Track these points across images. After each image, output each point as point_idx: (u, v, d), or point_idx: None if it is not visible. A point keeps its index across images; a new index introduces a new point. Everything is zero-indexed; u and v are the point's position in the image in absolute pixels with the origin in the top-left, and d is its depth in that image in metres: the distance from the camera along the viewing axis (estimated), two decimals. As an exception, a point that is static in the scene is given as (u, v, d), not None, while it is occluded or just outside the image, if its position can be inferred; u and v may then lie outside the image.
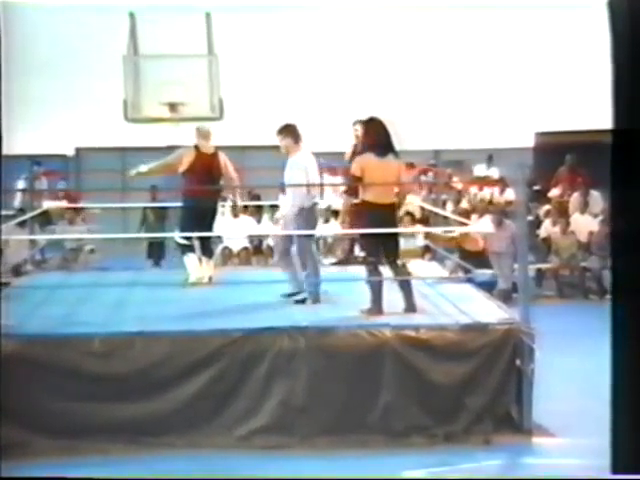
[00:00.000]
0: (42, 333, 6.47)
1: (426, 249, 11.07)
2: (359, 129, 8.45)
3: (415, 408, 6.39)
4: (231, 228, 12.11)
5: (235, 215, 12.29)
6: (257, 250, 12.58)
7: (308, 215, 7.51)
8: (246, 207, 12.08)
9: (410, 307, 7.04)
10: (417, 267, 9.33)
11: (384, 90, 16.57)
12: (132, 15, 9.97)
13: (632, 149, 3.31)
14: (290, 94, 16.14)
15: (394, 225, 7.17)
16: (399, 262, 7.17)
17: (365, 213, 7.00)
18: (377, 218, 6.92)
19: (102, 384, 6.26)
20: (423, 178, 14.68)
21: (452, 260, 10.42)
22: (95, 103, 14.97)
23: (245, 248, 12.06)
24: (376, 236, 6.93)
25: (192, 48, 9.84)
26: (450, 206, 13.43)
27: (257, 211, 12.75)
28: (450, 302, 7.31)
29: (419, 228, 11.31)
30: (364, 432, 6.35)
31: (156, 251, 13.18)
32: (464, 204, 13.66)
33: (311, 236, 7.65)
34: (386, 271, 7.14)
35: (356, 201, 7.09)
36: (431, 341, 6.47)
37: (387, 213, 7.04)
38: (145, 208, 13.16)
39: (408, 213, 12.02)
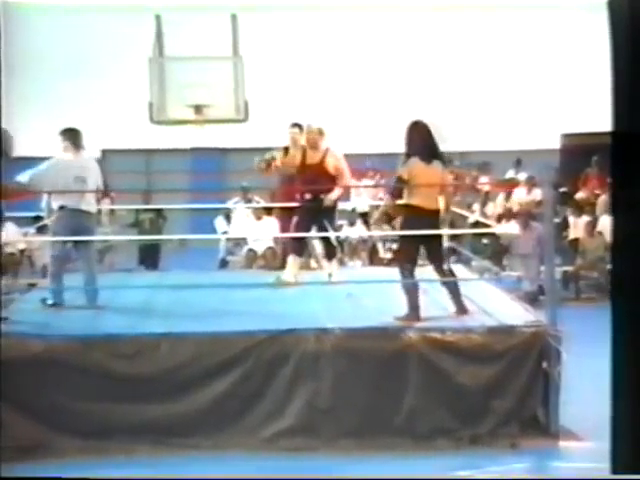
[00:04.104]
0: (75, 334, 6.51)
1: (451, 251, 11.02)
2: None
3: (441, 411, 6.36)
4: (254, 230, 12.12)
5: (258, 217, 12.30)
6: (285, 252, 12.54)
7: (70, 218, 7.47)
8: (270, 209, 12.08)
9: (461, 309, 6.95)
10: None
11: (410, 91, 16.54)
12: (158, 17, 10.01)
13: (632, 149, 3.30)
14: (315, 96, 16.13)
15: (438, 229, 7.07)
16: (445, 266, 7.11)
17: (410, 217, 6.95)
18: (422, 223, 6.87)
19: (129, 385, 6.27)
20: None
21: (478, 262, 10.37)
22: (121, 105, 15.05)
23: (270, 248, 12.05)
24: (418, 240, 6.89)
25: (217, 50, 9.86)
26: (477, 208, 13.37)
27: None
28: (476, 304, 7.27)
29: (444, 231, 11.26)
30: (389, 434, 6.32)
31: (150, 256, 13.05)
32: (491, 207, 13.59)
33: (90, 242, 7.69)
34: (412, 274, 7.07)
35: (400, 204, 7.06)
36: (457, 343, 6.44)
37: (432, 219, 6.95)
38: (138, 211, 13.09)
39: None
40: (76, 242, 7.58)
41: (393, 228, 7.29)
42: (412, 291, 6.85)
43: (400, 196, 6.99)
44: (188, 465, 5.97)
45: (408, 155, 6.99)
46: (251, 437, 6.30)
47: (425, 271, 7.26)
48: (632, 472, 3.34)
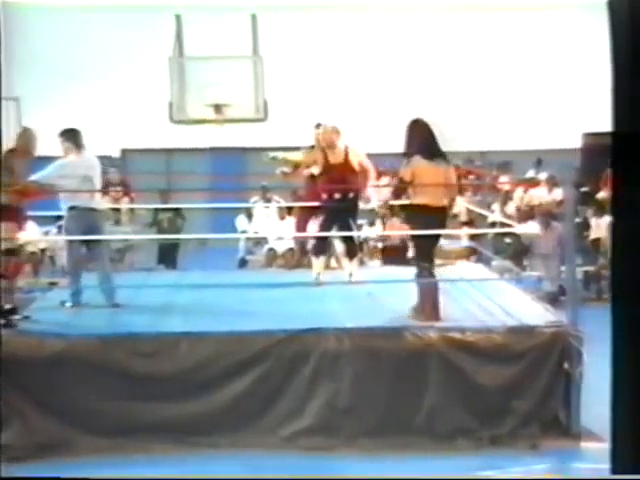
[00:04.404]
0: (95, 333, 6.54)
1: (471, 250, 10.99)
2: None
3: (461, 411, 6.34)
4: (276, 229, 12.12)
5: (282, 217, 12.30)
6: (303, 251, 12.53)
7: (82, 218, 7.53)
8: (289, 209, 12.08)
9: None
10: (462, 269, 9.28)
11: (430, 91, 16.50)
12: (178, 17, 10.02)
13: (633, 150, 3.29)
14: (335, 95, 16.12)
15: (444, 228, 7.08)
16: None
17: (419, 216, 6.93)
18: (431, 221, 6.86)
19: (149, 384, 6.29)
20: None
21: (498, 261, 10.33)
22: (141, 105, 15.08)
23: (290, 249, 12.04)
24: (430, 238, 6.89)
25: (237, 49, 9.87)
26: (496, 207, 13.31)
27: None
28: (496, 304, 7.24)
29: (465, 230, 11.23)
30: (409, 434, 6.31)
31: (170, 255, 13.08)
32: (511, 206, 13.53)
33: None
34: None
35: (407, 204, 7.04)
36: (477, 343, 6.41)
37: (440, 216, 6.95)
38: (157, 211, 13.12)
39: (453, 215, 11.95)
40: (89, 241, 7.63)
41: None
42: (431, 290, 6.84)
43: (400, 197, 6.97)
44: (207, 464, 5.98)
45: (409, 154, 6.96)
46: (270, 436, 6.30)
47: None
48: (632, 472, 3.33)
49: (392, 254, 10.72)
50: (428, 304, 6.79)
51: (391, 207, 9.09)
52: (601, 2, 3.40)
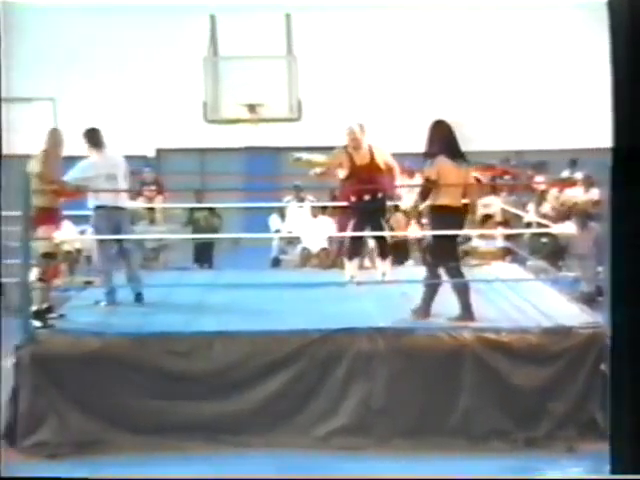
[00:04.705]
0: (129, 332, 6.58)
1: (506, 251, 10.91)
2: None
3: (495, 412, 6.30)
4: (309, 228, 12.11)
5: (314, 215, 12.29)
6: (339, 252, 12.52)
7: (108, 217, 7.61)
8: (325, 208, 12.06)
9: (426, 313, 6.89)
10: (498, 269, 9.22)
11: (464, 90, 16.42)
12: (212, 17, 10.06)
13: (634, 149, 3.27)
14: (369, 95, 16.09)
15: (463, 228, 7.08)
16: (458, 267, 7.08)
17: (439, 216, 6.92)
18: (452, 222, 6.85)
19: (183, 383, 6.31)
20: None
21: (534, 262, 10.25)
22: (175, 104, 15.15)
23: (324, 249, 12.03)
24: (451, 239, 6.86)
25: (271, 49, 9.88)
26: (532, 208, 13.21)
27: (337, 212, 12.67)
28: (532, 304, 7.19)
29: (499, 230, 11.16)
30: (443, 435, 6.28)
31: (205, 255, 13.12)
32: (546, 206, 13.42)
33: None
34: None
35: (430, 205, 7.02)
36: (512, 344, 6.37)
37: (460, 217, 6.97)
38: (192, 210, 13.17)
39: (488, 215, 11.87)
40: (118, 239, 7.71)
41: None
42: (431, 289, 6.85)
43: (428, 197, 6.93)
44: (241, 463, 5.98)
45: (432, 154, 6.94)
46: (304, 436, 6.30)
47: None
48: (632, 472, 3.34)
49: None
50: (463, 305, 6.75)
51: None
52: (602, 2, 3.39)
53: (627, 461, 3.37)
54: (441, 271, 6.97)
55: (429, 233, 6.92)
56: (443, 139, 6.91)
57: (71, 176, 7.52)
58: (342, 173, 8.32)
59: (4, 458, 6.00)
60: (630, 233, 3.38)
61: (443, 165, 6.86)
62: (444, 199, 6.87)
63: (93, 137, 7.77)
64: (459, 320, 6.70)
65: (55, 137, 7.37)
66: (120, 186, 7.73)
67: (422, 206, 7.11)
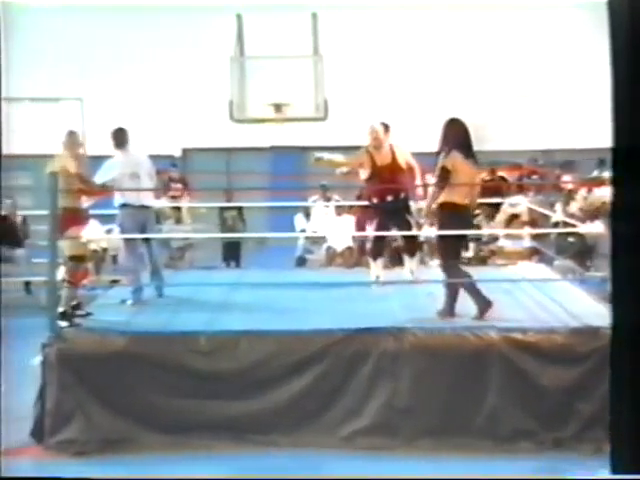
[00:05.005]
0: (156, 330, 6.61)
1: (533, 251, 10.85)
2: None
3: (522, 412, 6.25)
4: (334, 228, 12.11)
5: (339, 215, 12.28)
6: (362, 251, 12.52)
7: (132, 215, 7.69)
8: (351, 207, 12.05)
9: (450, 312, 6.89)
10: (524, 269, 9.16)
11: (487, 90, 16.36)
12: (239, 17, 10.08)
13: (635, 148, 3.25)
14: (394, 94, 16.05)
15: (470, 226, 7.02)
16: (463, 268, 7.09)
17: (450, 214, 6.89)
18: (460, 219, 6.84)
19: (209, 381, 6.32)
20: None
21: (561, 262, 10.18)
22: (202, 104, 15.19)
23: (349, 248, 12.03)
24: (458, 237, 6.86)
25: (297, 48, 9.88)
26: (559, 207, 13.13)
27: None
28: (559, 304, 7.14)
29: (526, 230, 11.09)
30: (469, 435, 6.25)
31: (233, 254, 13.16)
32: (573, 206, 13.33)
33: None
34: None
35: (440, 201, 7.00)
36: (539, 344, 6.32)
37: (467, 215, 6.99)
38: (222, 209, 13.21)
39: (515, 215, 11.82)
40: (143, 238, 7.79)
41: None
42: (453, 289, 6.86)
43: (445, 188, 6.90)
44: (266, 462, 5.98)
45: (446, 150, 6.93)
46: (329, 435, 6.28)
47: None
48: (632, 472, 3.33)
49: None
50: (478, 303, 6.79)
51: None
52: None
53: (627, 461, 3.37)
54: (458, 269, 6.99)
55: (451, 233, 6.87)
56: (457, 137, 6.91)
57: (98, 177, 7.61)
58: (364, 174, 8.27)
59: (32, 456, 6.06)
60: (630, 233, 3.36)
61: (457, 160, 6.86)
62: (452, 196, 6.86)
63: (118, 137, 7.86)
64: (442, 315, 6.78)
65: (72, 138, 7.43)
66: (144, 185, 7.79)
67: (438, 201, 7.04)
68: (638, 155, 3.30)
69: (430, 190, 7.27)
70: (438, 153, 7.01)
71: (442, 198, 6.89)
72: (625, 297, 3.39)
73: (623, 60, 3.32)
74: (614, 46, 3.35)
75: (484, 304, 6.77)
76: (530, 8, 15.95)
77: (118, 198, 7.79)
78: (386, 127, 8.44)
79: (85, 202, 7.58)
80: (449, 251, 6.97)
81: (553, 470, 5.80)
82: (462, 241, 7.04)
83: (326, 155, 8.78)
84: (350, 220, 12.02)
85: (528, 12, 16.16)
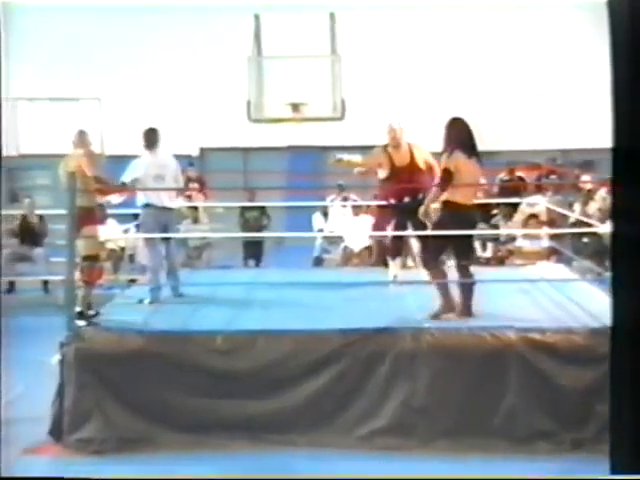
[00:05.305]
0: (172, 330, 6.62)
1: (552, 251, 10.80)
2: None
3: (540, 413, 6.23)
4: (352, 227, 12.10)
5: (356, 213, 12.27)
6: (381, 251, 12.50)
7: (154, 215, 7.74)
8: (368, 207, 12.04)
9: (467, 312, 6.87)
10: (543, 269, 9.12)
11: (506, 88, 16.31)
12: (257, 17, 10.09)
13: (635, 148, 3.23)
14: (412, 94, 16.03)
15: (475, 227, 7.00)
16: (469, 268, 7.03)
17: (451, 213, 6.88)
18: (462, 218, 6.82)
19: (226, 381, 6.32)
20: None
21: (580, 262, 10.13)
22: (219, 104, 15.22)
23: (367, 248, 12.02)
24: (452, 238, 6.82)
25: (315, 48, 9.88)
26: (577, 207, 13.07)
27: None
28: (577, 305, 7.10)
29: (544, 230, 11.05)
30: (486, 436, 6.22)
31: (254, 253, 13.18)
32: (592, 206, 13.26)
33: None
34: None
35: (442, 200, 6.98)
36: (558, 345, 6.29)
37: (470, 215, 6.94)
38: (243, 209, 13.25)
39: (533, 215, 11.77)
40: (163, 238, 7.83)
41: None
42: (444, 288, 6.86)
43: (447, 189, 6.89)
44: (284, 461, 5.98)
45: (448, 150, 6.91)
46: (346, 435, 6.28)
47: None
48: (632, 472, 3.34)
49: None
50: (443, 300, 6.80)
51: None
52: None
53: (627, 461, 3.38)
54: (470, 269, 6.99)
55: (468, 232, 6.86)
56: (459, 136, 6.89)
57: (124, 177, 7.69)
58: (382, 173, 8.25)
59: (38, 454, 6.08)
60: (631, 233, 3.34)
61: (460, 160, 6.84)
62: (455, 196, 6.85)
63: (149, 137, 7.92)
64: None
65: (83, 138, 7.46)
66: (169, 186, 7.84)
67: (441, 199, 7.02)
68: (638, 155, 3.29)
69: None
70: (441, 153, 7.01)
71: (445, 197, 6.88)
72: (625, 297, 3.38)
73: (623, 60, 3.32)
74: (614, 46, 3.35)
75: (447, 307, 6.78)
76: (535, 8, 15.91)
77: (141, 198, 7.82)
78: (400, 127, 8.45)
79: (115, 201, 7.70)
80: (458, 251, 6.98)
81: (571, 471, 5.76)
82: (466, 241, 6.97)
83: (346, 156, 8.76)
84: (367, 220, 12.00)
85: (535, 12, 16.12)
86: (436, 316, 6.79)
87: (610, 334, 3.40)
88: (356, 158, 8.74)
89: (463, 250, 7.02)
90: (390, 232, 8.54)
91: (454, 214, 6.83)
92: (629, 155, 3.34)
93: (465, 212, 6.87)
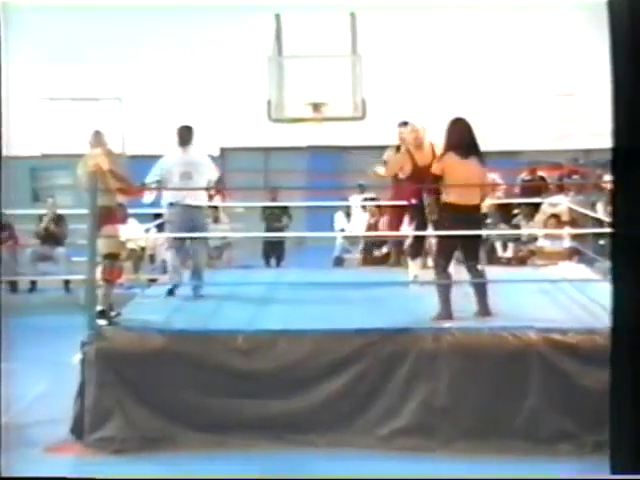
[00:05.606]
0: (193, 329, 6.63)
1: (574, 251, 10.75)
2: (404, 131, 8.47)
3: (562, 414, 6.19)
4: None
5: (377, 218, 12.25)
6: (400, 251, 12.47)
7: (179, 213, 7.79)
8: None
9: (483, 311, 6.84)
10: (564, 269, 9.07)
11: (528, 90, 16.24)
12: (277, 16, 10.08)
13: (635, 148, 3.21)
14: (432, 94, 15.99)
15: (478, 227, 6.95)
16: (479, 267, 6.98)
17: (448, 214, 6.87)
18: (460, 219, 6.78)
19: (246, 381, 6.32)
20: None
21: (602, 262, 10.05)
22: (240, 104, 15.25)
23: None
24: (455, 239, 6.80)
25: (336, 48, 9.86)
26: (600, 207, 12.99)
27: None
28: (599, 305, 7.04)
29: (566, 230, 10.99)
30: (507, 437, 6.18)
31: (274, 253, 13.19)
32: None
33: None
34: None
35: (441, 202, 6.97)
36: (579, 345, 6.25)
37: (470, 215, 6.88)
38: (264, 209, 13.27)
39: (554, 215, 11.71)
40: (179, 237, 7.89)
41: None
42: (444, 290, 6.82)
43: (433, 193, 6.90)
44: (304, 462, 5.98)
45: (444, 152, 6.96)
46: (366, 435, 6.26)
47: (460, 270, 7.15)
48: (632, 472, 3.32)
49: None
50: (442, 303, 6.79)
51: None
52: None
53: (627, 461, 3.37)
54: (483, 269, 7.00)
55: (487, 232, 6.84)
56: (453, 137, 6.90)
57: (149, 177, 7.74)
58: (404, 173, 8.26)
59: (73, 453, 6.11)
60: (631, 233, 3.32)
61: (450, 162, 6.84)
62: (449, 197, 6.86)
63: (183, 135, 8.02)
64: (438, 318, 6.71)
65: (99, 138, 7.50)
66: (196, 185, 7.89)
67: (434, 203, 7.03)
68: (638, 155, 3.27)
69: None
70: (441, 156, 7.06)
71: (444, 199, 6.91)
72: (625, 298, 3.40)
73: (623, 60, 3.30)
74: (614, 46, 3.34)
75: (444, 314, 6.75)
76: (535, 8, 15.85)
77: (167, 197, 7.88)
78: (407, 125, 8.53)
79: (147, 199, 7.77)
80: (464, 252, 6.97)
81: (593, 472, 5.72)
82: (470, 242, 6.91)
83: (380, 168, 8.83)
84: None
85: (539, 12, 16.06)
86: (434, 319, 6.76)
87: (610, 334, 3.39)
88: (382, 170, 8.81)
89: (468, 251, 6.98)
90: (406, 232, 8.53)
91: (450, 215, 6.84)
92: (629, 155, 3.33)
93: (464, 213, 6.82)
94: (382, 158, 9.26)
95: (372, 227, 11.93)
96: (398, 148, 8.97)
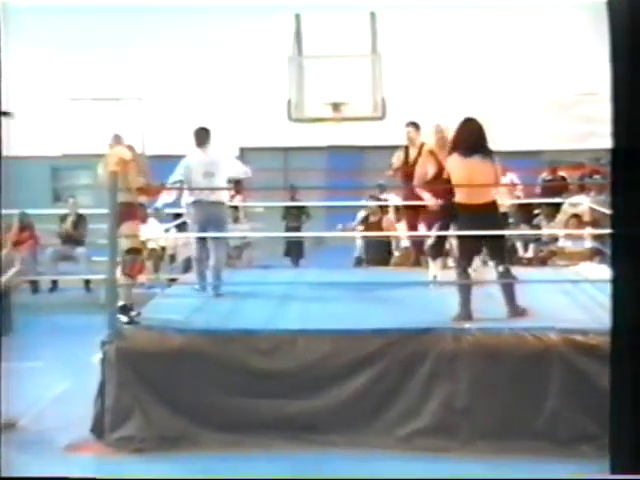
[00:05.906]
0: (212, 329, 6.63)
1: (595, 251, 10.68)
2: (411, 131, 8.55)
3: (583, 416, 6.14)
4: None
5: (398, 220, 12.22)
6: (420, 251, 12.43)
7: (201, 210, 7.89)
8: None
9: (513, 311, 6.80)
10: (585, 270, 9.02)
11: (547, 88, 16.17)
12: (297, 16, 10.08)
13: (635, 148, 3.19)
14: (453, 93, 15.95)
15: (492, 226, 6.83)
16: (502, 267, 6.93)
17: (458, 214, 6.89)
18: (469, 219, 6.76)
19: (265, 380, 6.32)
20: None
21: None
22: (260, 103, 15.26)
23: (407, 248, 11.94)
24: (473, 239, 6.76)
25: (356, 48, 9.85)
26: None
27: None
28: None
29: (585, 231, 10.92)
30: (528, 438, 6.16)
31: (295, 250, 13.22)
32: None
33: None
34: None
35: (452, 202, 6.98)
36: (601, 346, 6.20)
37: (481, 214, 6.80)
38: (287, 208, 13.29)
39: (575, 215, 11.64)
40: (207, 231, 7.96)
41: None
42: (464, 290, 6.82)
43: (438, 194, 6.92)
44: (323, 462, 5.97)
45: (450, 153, 6.97)
46: (386, 436, 6.25)
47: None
48: (632, 472, 3.31)
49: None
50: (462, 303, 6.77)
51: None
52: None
53: (627, 461, 3.37)
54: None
55: (507, 232, 6.83)
56: (463, 136, 6.89)
57: (172, 178, 7.81)
58: (429, 172, 8.24)
59: (91, 452, 6.13)
60: (630, 234, 3.30)
61: (452, 162, 6.86)
62: (457, 197, 6.89)
63: (200, 136, 8.12)
64: (458, 319, 6.69)
65: (118, 141, 7.54)
66: (219, 183, 8.00)
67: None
68: (638, 156, 3.25)
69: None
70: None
71: (455, 200, 6.93)
72: (625, 298, 3.39)
73: (623, 60, 3.28)
74: (614, 46, 3.32)
75: (463, 315, 6.74)
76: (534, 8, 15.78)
77: (188, 196, 7.98)
78: (416, 127, 8.50)
79: (168, 199, 7.86)
80: (462, 252, 6.97)
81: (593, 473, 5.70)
82: (490, 241, 6.88)
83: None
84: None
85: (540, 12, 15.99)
86: (455, 318, 6.75)
87: (610, 334, 3.37)
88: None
89: (490, 251, 6.96)
90: (434, 232, 8.50)
91: (460, 215, 6.87)
92: (629, 155, 3.31)
93: (473, 212, 6.78)
94: (392, 160, 9.28)
95: (372, 226, 11.90)
96: (407, 149, 8.97)
